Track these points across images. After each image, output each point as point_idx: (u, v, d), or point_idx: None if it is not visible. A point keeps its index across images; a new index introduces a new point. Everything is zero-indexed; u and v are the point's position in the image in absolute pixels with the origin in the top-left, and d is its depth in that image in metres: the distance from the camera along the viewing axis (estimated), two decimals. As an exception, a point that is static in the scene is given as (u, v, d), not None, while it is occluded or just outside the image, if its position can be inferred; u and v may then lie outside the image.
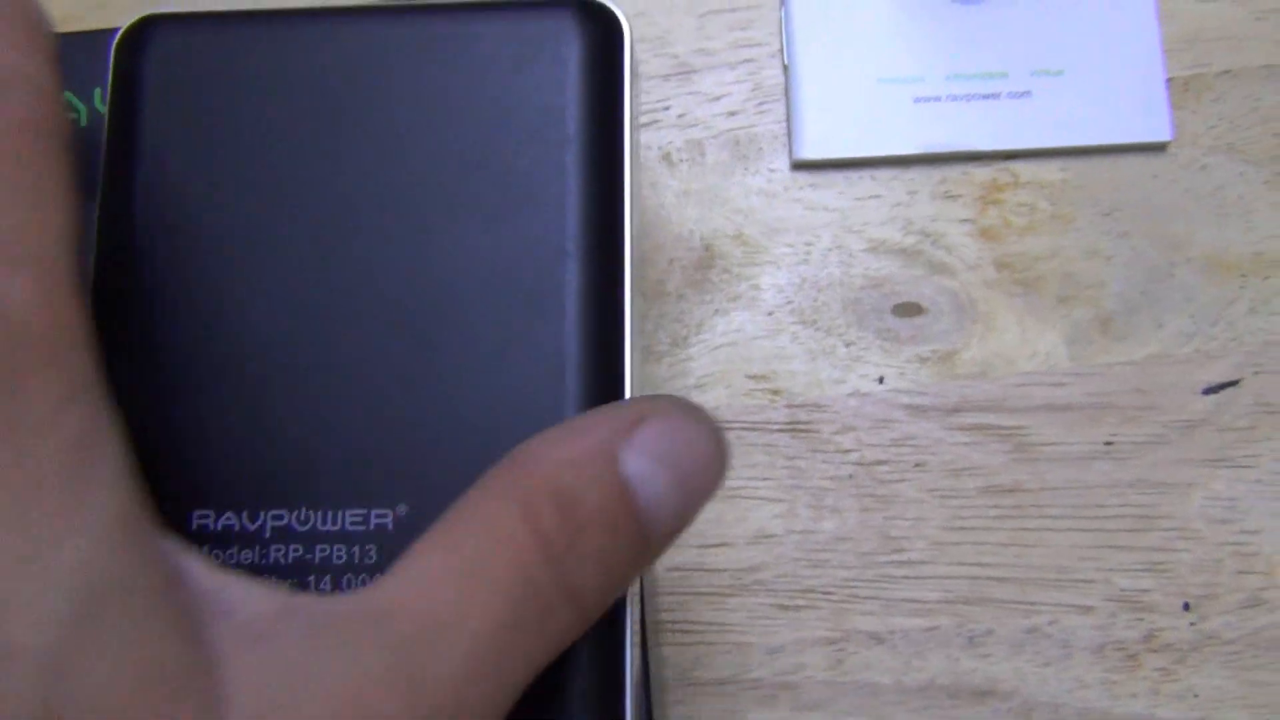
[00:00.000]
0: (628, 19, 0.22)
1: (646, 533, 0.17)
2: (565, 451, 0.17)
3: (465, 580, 0.16)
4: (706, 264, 0.36)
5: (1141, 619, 0.34)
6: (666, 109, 0.37)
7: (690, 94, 0.37)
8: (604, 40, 0.21)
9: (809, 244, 0.36)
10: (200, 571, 0.16)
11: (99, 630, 0.13)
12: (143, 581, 0.14)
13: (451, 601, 0.16)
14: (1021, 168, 0.36)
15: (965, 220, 0.36)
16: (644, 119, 0.37)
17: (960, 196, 0.36)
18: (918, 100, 0.36)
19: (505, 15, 0.21)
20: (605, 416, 0.18)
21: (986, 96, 0.36)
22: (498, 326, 0.20)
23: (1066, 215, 0.36)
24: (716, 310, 0.36)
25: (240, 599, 0.15)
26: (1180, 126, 0.36)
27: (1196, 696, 0.33)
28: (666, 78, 0.38)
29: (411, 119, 0.20)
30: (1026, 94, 0.36)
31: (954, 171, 0.36)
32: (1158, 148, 0.36)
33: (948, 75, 0.37)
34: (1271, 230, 0.36)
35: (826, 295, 0.36)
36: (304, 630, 0.15)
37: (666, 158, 0.37)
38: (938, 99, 0.36)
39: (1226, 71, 0.37)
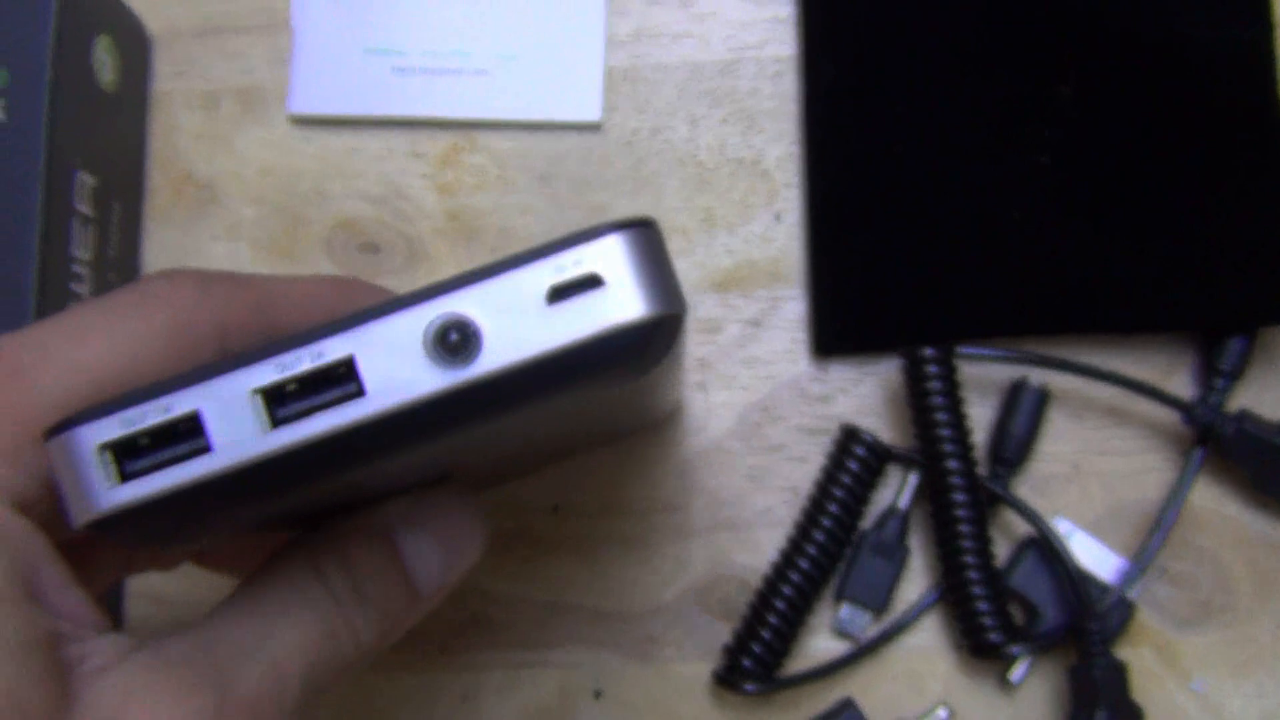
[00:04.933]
0: None
1: (415, 590, 0.24)
2: (350, 527, 0.24)
3: (270, 617, 0.22)
4: (209, 199, 0.43)
5: (518, 517, 0.41)
6: (193, 63, 0.44)
7: (217, 51, 0.44)
8: None
9: (292, 186, 0.43)
10: (71, 630, 0.21)
11: None
12: (14, 639, 0.19)
13: (258, 631, 0.22)
14: (480, 135, 0.43)
15: (426, 176, 0.43)
16: (171, 70, 0.44)
17: (425, 155, 0.43)
18: (395, 70, 0.43)
19: None
20: (388, 498, 0.24)
21: (453, 71, 0.43)
22: None
23: (510, 178, 0.43)
24: (212, 237, 0.43)
25: (98, 646, 0.21)
26: (614, 109, 0.43)
27: (550, 578, 0.41)
28: (197, 35, 0.44)
29: None
30: (485, 72, 0.43)
31: (423, 134, 0.43)
32: (593, 126, 0.43)
33: (423, 51, 0.43)
34: (675, 203, 0.42)
35: (302, 230, 0.43)
36: (145, 659, 0.21)
37: (187, 105, 0.44)
38: (413, 70, 0.43)
39: (660, 65, 0.43)
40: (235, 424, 0.20)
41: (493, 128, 0.43)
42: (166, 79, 0.44)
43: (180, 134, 0.43)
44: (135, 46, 0.43)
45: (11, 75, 0.37)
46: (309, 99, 0.43)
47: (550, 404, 0.21)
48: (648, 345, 0.21)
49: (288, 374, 0.20)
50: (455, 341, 0.20)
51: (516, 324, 0.20)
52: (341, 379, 0.20)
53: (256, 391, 0.20)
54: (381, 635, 0.24)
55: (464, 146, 0.43)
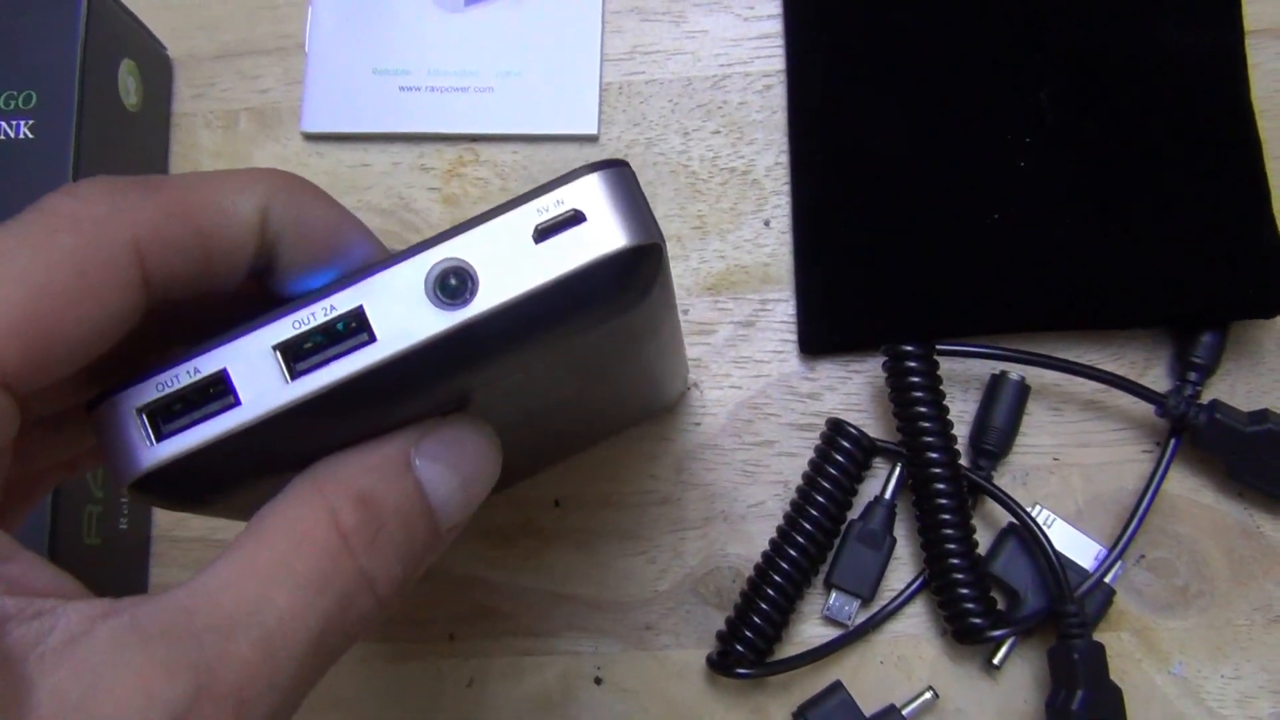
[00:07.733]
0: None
1: (437, 526, 0.22)
2: (365, 458, 0.21)
3: (267, 576, 0.19)
4: (227, 211, 0.45)
5: (522, 511, 0.43)
6: (212, 85, 0.46)
7: (234, 73, 0.46)
8: None
9: (306, 200, 0.45)
10: (19, 607, 0.18)
11: None
12: None
13: (250, 597, 0.19)
14: (482, 149, 0.45)
15: (433, 189, 0.45)
16: (191, 92, 0.46)
17: (432, 169, 0.45)
18: (403, 89, 0.45)
19: None
20: (399, 430, 0.22)
21: (458, 89, 0.45)
22: None
23: (512, 189, 0.45)
24: (230, 249, 0.45)
25: (60, 617, 0.18)
26: (610, 123, 0.45)
27: (551, 569, 0.42)
28: (215, 59, 0.46)
29: None
30: (490, 89, 0.45)
31: (429, 148, 0.45)
32: (591, 139, 0.45)
33: (429, 70, 0.45)
34: (669, 211, 0.44)
35: (315, 242, 0.45)
36: (115, 631, 0.18)
37: (207, 124, 0.46)
38: (419, 89, 0.45)
39: (654, 80, 0.45)
40: (259, 378, 0.21)
41: (495, 141, 0.45)
42: (187, 100, 0.46)
43: (200, 151, 0.46)
44: (157, 70, 0.45)
45: (40, 97, 0.40)
46: (321, 117, 0.45)
47: (549, 341, 0.22)
48: (631, 275, 0.22)
49: (304, 328, 0.21)
50: (454, 285, 0.21)
51: (508, 263, 0.21)
52: (353, 329, 0.21)
53: (276, 347, 0.21)
54: (403, 582, 0.21)
55: (468, 159, 0.45)
